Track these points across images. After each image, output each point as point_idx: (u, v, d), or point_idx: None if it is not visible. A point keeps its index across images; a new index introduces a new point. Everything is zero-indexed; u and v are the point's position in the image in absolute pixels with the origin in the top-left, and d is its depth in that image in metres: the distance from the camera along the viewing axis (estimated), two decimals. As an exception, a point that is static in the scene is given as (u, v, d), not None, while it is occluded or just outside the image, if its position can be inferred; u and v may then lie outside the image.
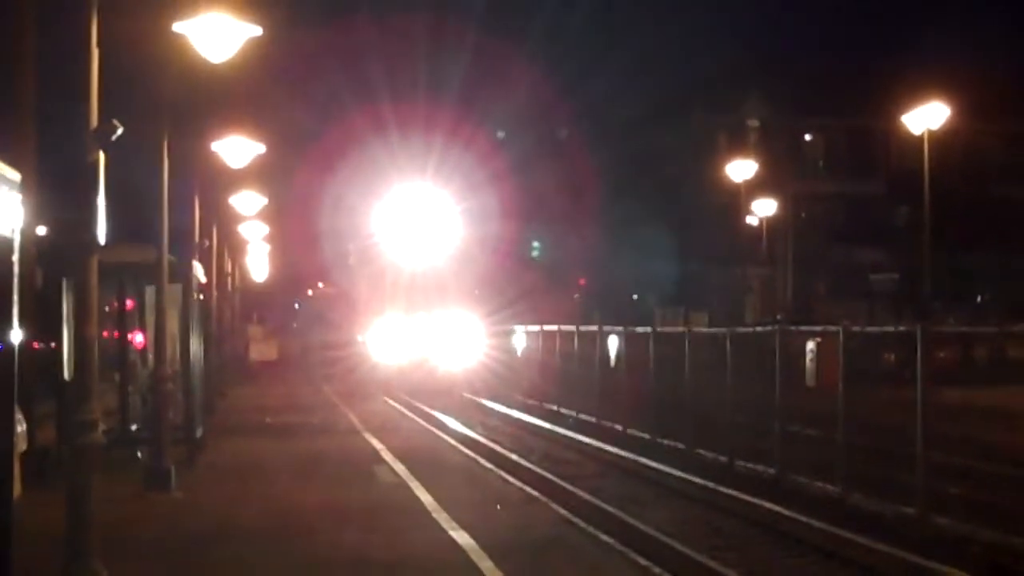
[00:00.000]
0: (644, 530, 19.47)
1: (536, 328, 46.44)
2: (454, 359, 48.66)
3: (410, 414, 40.80)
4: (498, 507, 20.10)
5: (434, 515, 18.64)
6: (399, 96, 64.82)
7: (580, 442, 33.18)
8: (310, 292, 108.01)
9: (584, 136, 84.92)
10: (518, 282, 63.94)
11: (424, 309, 47.80)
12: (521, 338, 48.34)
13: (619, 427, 33.74)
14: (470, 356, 48.53)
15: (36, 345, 24.61)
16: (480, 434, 35.53)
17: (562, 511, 20.22)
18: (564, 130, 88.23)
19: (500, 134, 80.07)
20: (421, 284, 48.00)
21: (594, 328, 39.54)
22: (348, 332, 57.62)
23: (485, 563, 14.90)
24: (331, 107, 72.95)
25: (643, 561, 16.14)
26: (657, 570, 15.60)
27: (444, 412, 41.63)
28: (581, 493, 23.52)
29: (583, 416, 37.37)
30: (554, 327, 44.30)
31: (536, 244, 74.39)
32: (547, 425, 37.63)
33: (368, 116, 62.02)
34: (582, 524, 18.93)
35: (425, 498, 20.43)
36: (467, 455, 28.58)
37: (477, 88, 73.24)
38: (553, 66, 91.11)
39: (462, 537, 16.60)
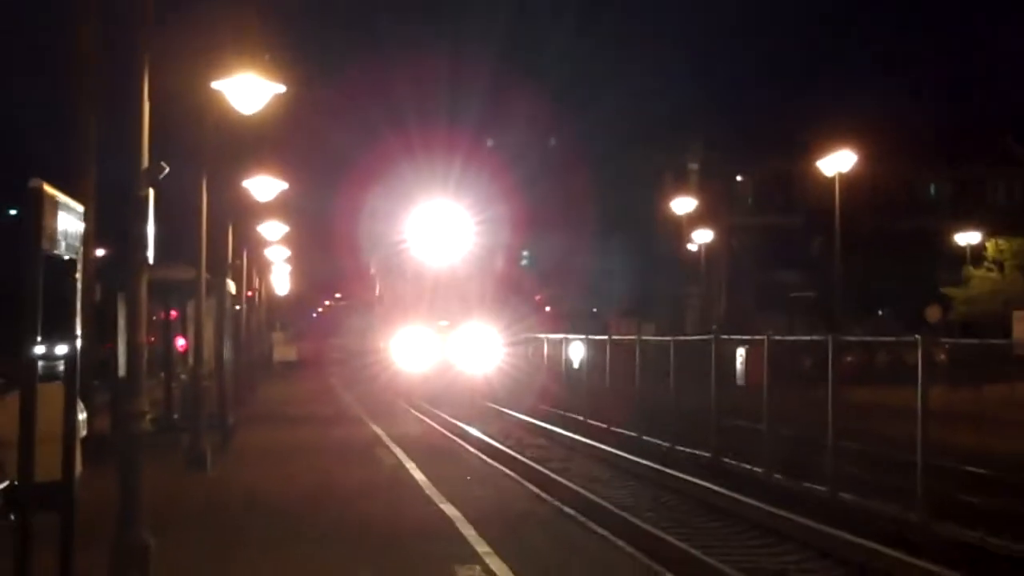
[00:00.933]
0: (602, 504, 19.49)
1: (523, 337, 45.57)
2: (475, 365, 44.49)
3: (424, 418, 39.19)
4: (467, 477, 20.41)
5: (426, 491, 18.65)
6: (424, 122, 62.53)
7: (549, 431, 33.11)
8: (327, 303, 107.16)
9: (568, 163, 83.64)
10: (524, 293, 60.84)
11: (445, 318, 44.25)
12: (521, 346, 45.03)
13: (581, 418, 33.70)
14: (489, 362, 44.09)
15: (108, 345, 24.79)
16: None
17: (532, 488, 20.27)
18: (554, 143, 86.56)
19: (490, 142, 76.70)
20: (443, 293, 44.61)
21: (560, 336, 39.47)
22: (368, 340, 53.42)
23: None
24: (356, 138, 72.42)
25: (600, 530, 16.18)
26: (612, 538, 15.62)
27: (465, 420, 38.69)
28: (550, 473, 23.54)
29: (554, 410, 37.21)
30: (532, 336, 44.04)
31: (525, 253, 71.04)
32: (527, 418, 37.33)
33: (391, 143, 59.79)
34: (550, 499, 18.96)
35: (418, 476, 20.44)
36: (457, 443, 28.56)
37: (489, 114, 71.45)
38: (553, 96, 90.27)
39: (449, 509, 16.63)
